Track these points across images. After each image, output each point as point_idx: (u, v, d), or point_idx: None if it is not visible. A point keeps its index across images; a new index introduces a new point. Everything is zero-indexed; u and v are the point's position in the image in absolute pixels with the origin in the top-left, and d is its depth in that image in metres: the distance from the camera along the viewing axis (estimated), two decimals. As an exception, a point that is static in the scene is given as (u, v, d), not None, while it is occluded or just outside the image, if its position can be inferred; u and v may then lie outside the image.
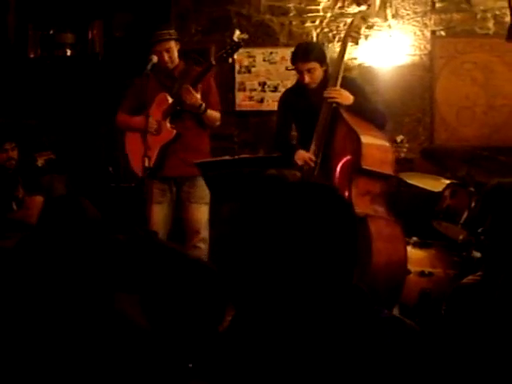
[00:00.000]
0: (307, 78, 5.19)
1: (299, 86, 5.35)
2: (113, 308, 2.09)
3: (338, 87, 5.09)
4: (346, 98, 5.08)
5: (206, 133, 5.74)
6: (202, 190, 5.56)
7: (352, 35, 5.25)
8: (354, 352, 1.84)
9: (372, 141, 5.02)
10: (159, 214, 5.40)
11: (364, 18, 5.34)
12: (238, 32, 5.46)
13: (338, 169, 5.00)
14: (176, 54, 5.56)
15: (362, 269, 4.49)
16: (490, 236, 3.01)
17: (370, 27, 5.42)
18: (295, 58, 5.27)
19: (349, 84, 5.20)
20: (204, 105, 5.48)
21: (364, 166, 4.93)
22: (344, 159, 5.01)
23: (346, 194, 4.89)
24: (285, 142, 5.56)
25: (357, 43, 5.38)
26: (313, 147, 5.11)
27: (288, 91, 5.68)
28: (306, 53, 5.22)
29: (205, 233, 5.62)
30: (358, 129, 4.98)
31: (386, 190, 5.17)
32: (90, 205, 3.10)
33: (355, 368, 1.83)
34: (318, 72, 5.21)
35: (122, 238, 3.14)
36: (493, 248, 2.98)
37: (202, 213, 5.62)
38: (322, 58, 5.22)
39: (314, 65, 5.18)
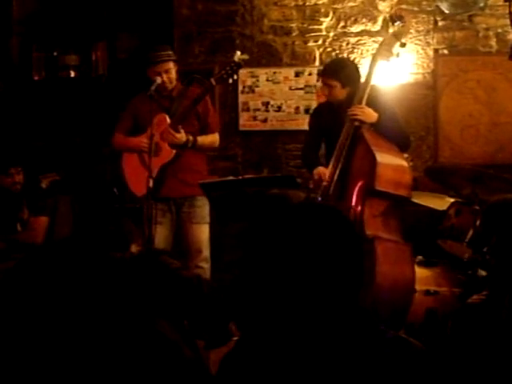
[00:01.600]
0: (325, 92, 5.28)
1: (330, 101, 5.35)
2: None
3: (362, 105, 5.05)
4: (370, 116, 5.04)
5: (204, 153, 5.74)
6: (202, 210, 5.57)
7: (382, 53, 5.19)
8: (360, 373, 1.83)
9: (388, 161, 4.95)
10: (160, 235, 5.39)
11: (397, 36, 5.27)
12: (238, 53, 5.47)
13: (354, 188, 4.94)
14: (174, 74, 5.56)
15: (365, 290, 4.45)
16: (495, 254, 3.00)
17: (403, 45, 5.29)
18: (322, 71, 5.41)
19: (374, 102, 5.16)
20: (191, 138, 5.47)
21: (377, 188, 4.87)
22: (360, 179, 4.95)
23: (359, 214, 4.85)
24: (310, 156, 5.53)
25: (388, 61, 5.29)
26: (331, 164, 5.08)
27: (319, 106, 5.69)
28: (331, 69, 5.29)
29: (206, 252, 5.62)
30: (376, 148, 4.91)
31: (401, 211, 5.11)
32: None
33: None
34: (337, 91, 5.18)
35: (128, 256, 3.13)
36: (498, 267, 2.97)
37: (203, 232, 5.62)
38: (345, 79, 5.17)
39: (334, 83, 5.16)
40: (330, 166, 5.08)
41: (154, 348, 1.89)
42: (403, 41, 5.29)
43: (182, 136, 5.41)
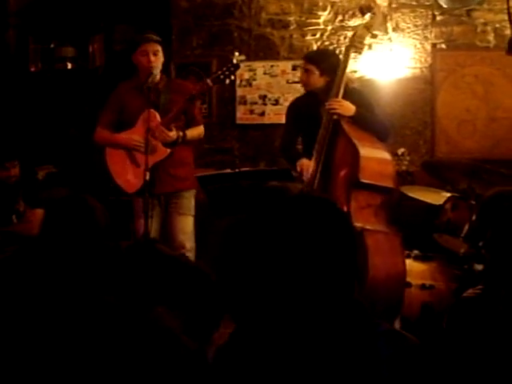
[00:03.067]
0: (303, 77, 5.28)
1: (309, 94, 5.33)
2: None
3: (339, 98, 5.04)
4: (347, 109, 5.03)
5: (190, 146, 5.70)
6: (189, 202, 5.55)
7: (355, 45, 5.19)
8: (353, 365, 1.82)
9: (371, 153, 4.94)
10: (150, 228, 5.36)
11: (368, 27, 5.25)
12: (236, 54, 5.42)
13: (338, 181, 4.95)
14: (161, 62, 5.43)
15: (359, 283, 4.44)
16: (491, 249, 3.00)
17: (374, 36, 5.33)
18: (305, 56, 5.43)
19: (352, 95, 5.15)
20: (181, 134, 5.41)
21: (362, 180, 4.86)
22: (343, 172, 4.96)
23: (345, 207, 4.84)
24: (289, 148, 5.53)
25: (360, 53, 5.32)
26: (313, 158, 5.08)
27: (297, 99, 5.66)
28: (314, 55, 5.37)
29: (191, 243, 5.59)
30: (358, 141, 4.91)
31: (387, 202, 5.11)
32: (98, 206, 3.07)
33: (354, 382, 1.81)
34: (315, 78, 5.18)
35: (124, 245, 3.12)
36: (494, 261, 2.97)
37: (188, 224, 5.59)
38: (324, 66, 5.16)
39: (312, 68, 5.16)
40: (313, 160, 5.07)
41: (149, 336, 1.89)
42: (374, 32, 5.31)
43: (174, 134, 5.36)
